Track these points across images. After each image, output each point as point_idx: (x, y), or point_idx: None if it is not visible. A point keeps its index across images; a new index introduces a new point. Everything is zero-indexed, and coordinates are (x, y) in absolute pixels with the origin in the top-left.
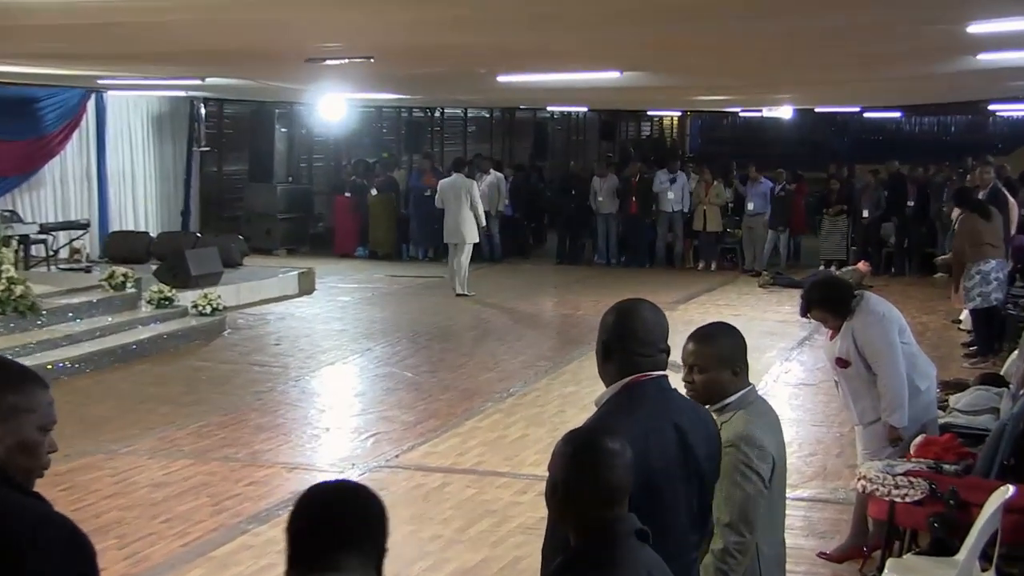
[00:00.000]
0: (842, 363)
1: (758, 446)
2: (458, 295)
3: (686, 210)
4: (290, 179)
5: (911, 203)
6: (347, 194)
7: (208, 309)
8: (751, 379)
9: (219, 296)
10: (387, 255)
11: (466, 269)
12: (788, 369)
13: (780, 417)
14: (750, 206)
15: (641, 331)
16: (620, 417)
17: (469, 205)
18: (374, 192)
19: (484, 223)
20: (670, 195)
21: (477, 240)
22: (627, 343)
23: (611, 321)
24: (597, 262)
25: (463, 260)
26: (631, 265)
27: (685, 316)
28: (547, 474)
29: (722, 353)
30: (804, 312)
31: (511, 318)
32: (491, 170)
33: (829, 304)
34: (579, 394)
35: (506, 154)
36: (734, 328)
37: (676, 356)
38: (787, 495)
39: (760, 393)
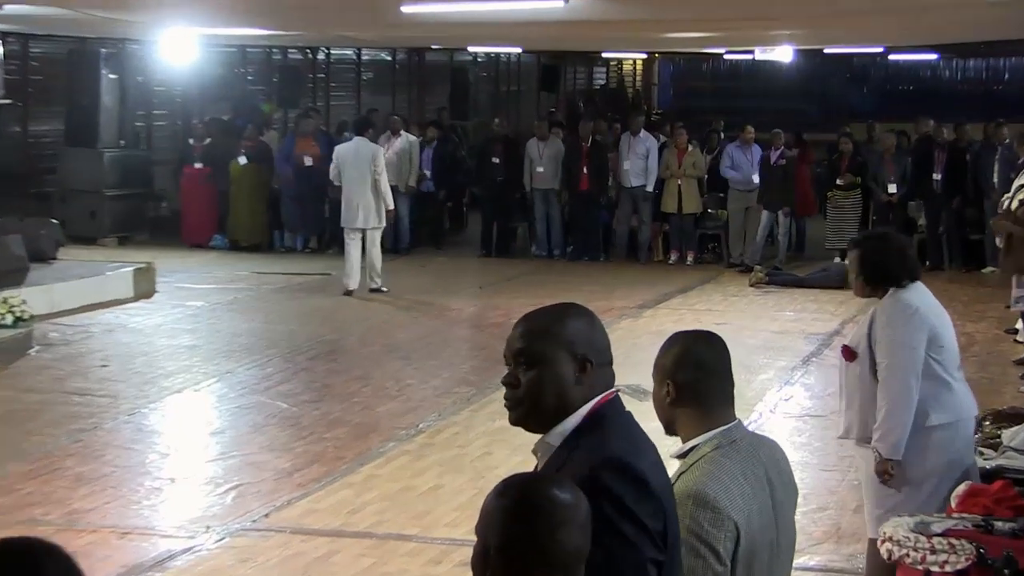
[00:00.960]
0: (848, 353)
1: (712, 508)
2: (372, 290)
3: (652, 186)
4: (122, 143)
5: (939, 175)
6: (199, 165)
7: (8, 319)
8: (739, 409)
9: (23, 301)
10: (254, 246)
11: (379, 258)
12: (789, 395)
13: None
14: (738, 179)
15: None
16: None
17: (374, 179)
18: (242, 161)
19: (392, 204)
20: (628, 164)
21: (386, 224)
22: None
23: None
24: (535, 254)
25: (374, 250)
26: (581, 258)
27: (652, 325)
28: (473, 538)
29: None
30: (844, 256)
31: (421, 330)
32: (402, 132)
33: (866, 261)
34: (511, 430)
35: (413, 110)
36: (717, 338)
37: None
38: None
39: (751, 428)
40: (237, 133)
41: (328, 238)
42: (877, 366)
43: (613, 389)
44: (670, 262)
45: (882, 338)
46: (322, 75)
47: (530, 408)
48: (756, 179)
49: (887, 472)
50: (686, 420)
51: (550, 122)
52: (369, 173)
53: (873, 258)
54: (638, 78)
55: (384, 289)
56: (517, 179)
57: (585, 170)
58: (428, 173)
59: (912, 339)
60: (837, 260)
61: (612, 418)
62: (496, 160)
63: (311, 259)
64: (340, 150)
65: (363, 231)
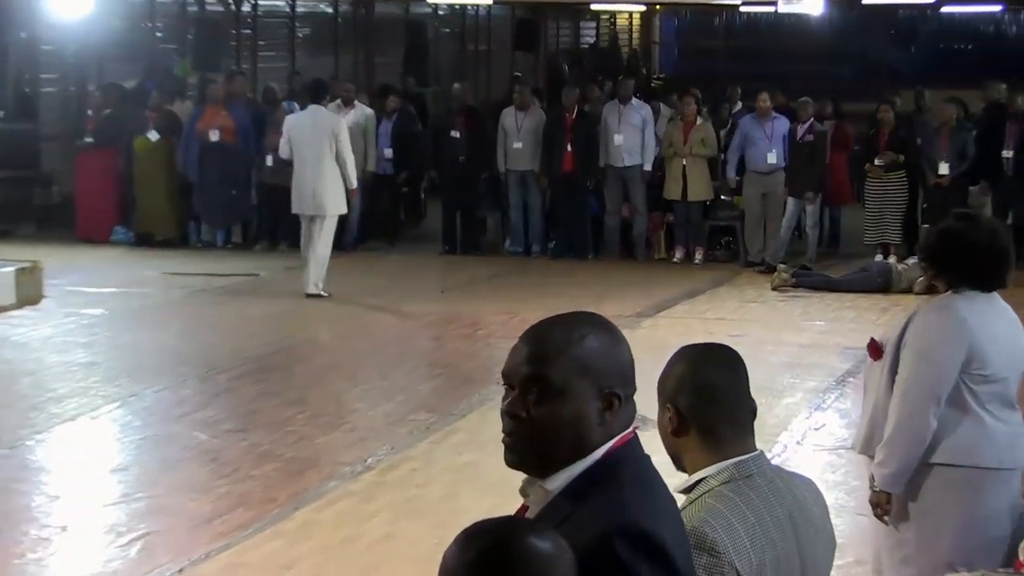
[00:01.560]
0: (874, 349)
1: (709, 550)
2: (308, 295)
3: (650, 164)
4: (0, 115)
5: (1009, 153)
6: (91, 140)
7: None
8: (760, 439)
9: None
10: (166, 241)
11: (327, 256)
12: (820, 423)
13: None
14: (758, 159)
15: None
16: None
17: (334, 156)
18: (151, 137)
19: (354, 183)
20: (618, 138)
21: (345, 211)
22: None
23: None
24: (509, 251)
25: (322, 243)
26: (564, 256)
27: (653, 337)
28: None
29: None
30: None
31: (370, 343)
32: (356, 102)
33: (937, 247)
34: (481, 466)
35: (359, 75)
36: (730, 354)
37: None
38: None
39: (776, 462)
40: (144, 102)
41: (257, 230)
42: (897, 376)
43: (632, 427)
44: (674, 260)
45: (911, 345)
46: (248, 31)
47: (539, 451)
48: (772, 158)
49: (879, 506)
50: (693, 450)
51: (528, 88)
52: (329, 149)
53: (945, 244)
54: (635, 36)
55: (325, 294)
56: (484, 159)
57: (569, 147)
58: (388, 153)
59: (942, 354)
60: (879, 258)
61: (629, 465)
62: (456, 134)
63: (235, 256)
64: (293, 122)
65: (312, 219)
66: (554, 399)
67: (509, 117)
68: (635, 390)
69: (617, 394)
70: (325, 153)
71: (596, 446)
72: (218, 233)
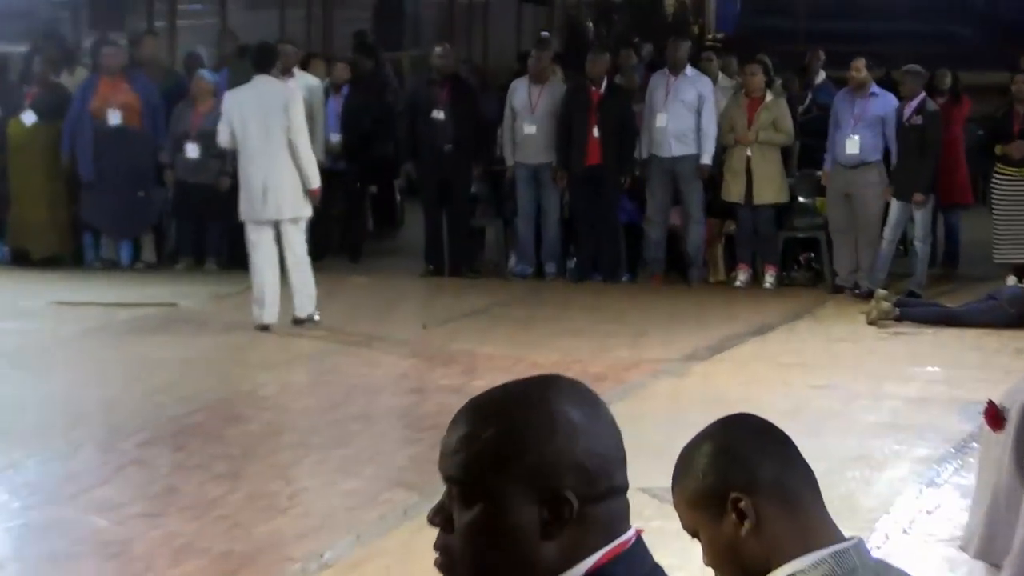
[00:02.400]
0: (994, 417)
1: None
2: (296, 320)
3: (710, 157)
4: None
5: None
6: None
7: None
8: (850, 526)
9: None
10: (51, 259)
11: (307, 264)
12: (934, 504)
13: None
14: (839, 147)
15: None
16: None
17: (288, 137)
18: (27, 120)
19: (314, 181)
20: (665, 120)
21: (310, 212)
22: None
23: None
24: (515, 272)
25: (294, 256)
26: (590, 278)
27: (709, 388)
28: None
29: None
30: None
31: (329, 396)
32: (295, 69)
33: None
34: None
35: (316, 36)
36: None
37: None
38: None
39: (876, 555)
40: (23, 75)
41: (176, 244)
42: None
43: (631, 533)
44: (737, 284)
45: None
46: None
47: (467, 573)
48: (855, 146)
49: None
50: (771, 545)
51: (545, 51)
52: (282, 132)
53: None
54: None
55: (317, 318)
56: (479, 148)
57: (596, 132)
58: (334, 139)
59: None
60: (1012, 281)
61: None
62: (439, 115)
63: (147, 280)
64: (234, 99)
65: (276, 225)
66: (475, 505)
67: (520, 92)
68: (620, 485)
69: (568, 497)
70: (278, 138)
71: (554, 566)
72: (122, 248)
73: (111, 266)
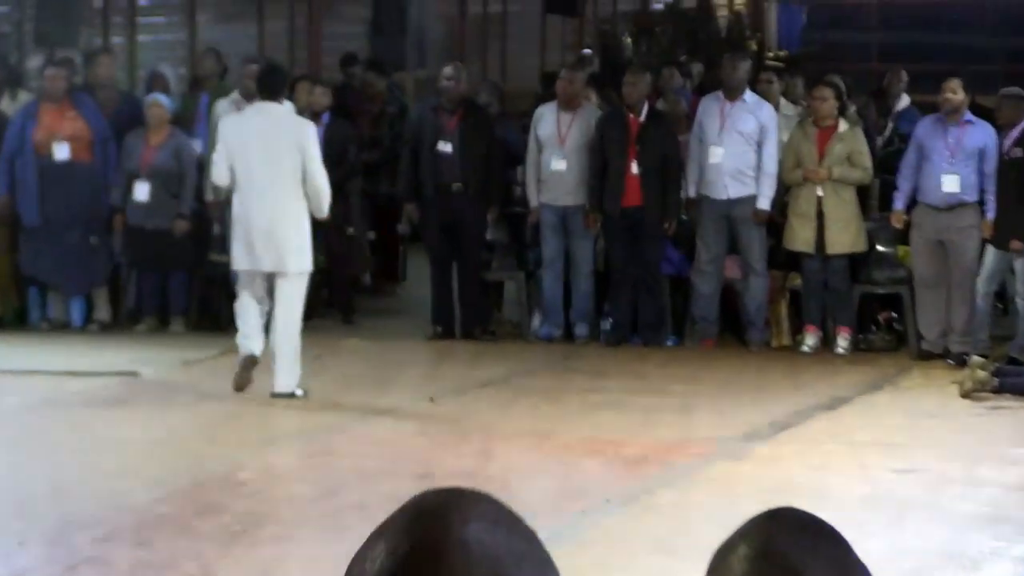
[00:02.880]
0: None
1: None
2: (275, 395)
3: (768, 201)
4: None
5: None
6: None
7: None
8: None
9: None
10: None
11: (297, 333)
12: None
13: None
14: (930, 185)
15: None
16: None
17: (300, 180)
18: None
19: (324, 210)
20: (719, 156)
21: (311, 267)
22: None
23: None
24: (540, 334)
25: (289, 315)
26: (628, 342)
27: (772, 472)
28: None
29: None
30: None
31: (318, 484)
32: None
33: None
34: None
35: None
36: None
37: None
38: None
39: None
40: None
41: (136, 300)
42: None
43: None
44: (804, 349)
45: None
46: None
47: None
48: (953, 184)
49: None
50: None
51: (580, 69)
52: (291, 170)
53: None
54: None
55: (299, 393)
56: (495, 186)
57: (635, 167)
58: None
59: None
60: None
61: None
62: (447, 148)
63: (103, 343)
64: (234, 128)
65: (270, 278)
66: None
67: (546, 120)
68: None
69: None
70: (287, 177)
71: None
72: (73, 305)
73: (60, 327)
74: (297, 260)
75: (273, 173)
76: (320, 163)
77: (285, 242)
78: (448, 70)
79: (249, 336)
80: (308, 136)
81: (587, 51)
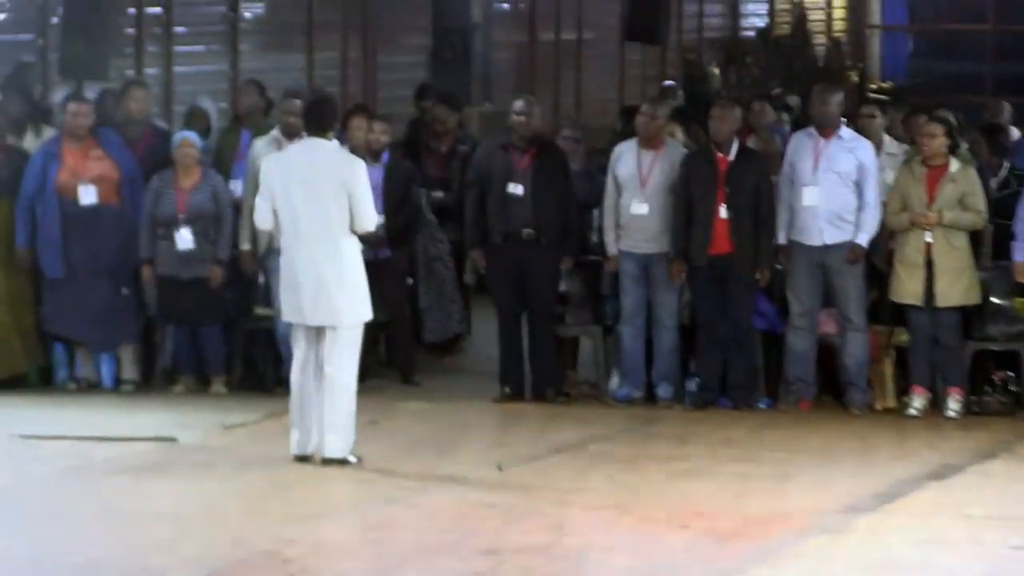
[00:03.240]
0: None
1: None
2: (326, 461)
3: (867, 238)
4: None
5: None
6: None
7: None
8: None
9: None
10: (12, 378)
11: (352, 394)
12: None
13: None
14: None
15: None
16: None
17: (349, 223)
18: None
19: (368, 228)
20: (813, 197)
21: (370, 316)
22: None
23: None
24: (618, 396)
25: (342, 372)
26: (716, 404)
27: (875, 549)
28: None
29: None
30: None
31: (375, 559)
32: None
33: None
34: None
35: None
36: None
37: None
38: None
39: None
40: None
41: (173, 358)
42: None
43: None
44: (911, 412)
45: None
46: (157, 7)
47: None
48: None
49: None
50: None
51: (661, 103)
52: (340, 213)
53: None
54: (838, 17)
55: (353, 459)
56: (569, 233)
57: (724, 212)
58: (379, 222)
59: None
60: None
61: None
62: (517, 190)
63: (135, 405)
64: (278, 167)
65: (317, 333)
66: None
67: (626, 159)
68: None
69: None
70: (335, 220)
71: None
72: (103, 364)
73: (89, 388)
74: (350, 311)
75: (319, 216)
76: (369, 206)
77: (335, 291)
78: (519, 104)
79: (297, 421)
80: (356, 175)
81: (670, 82)
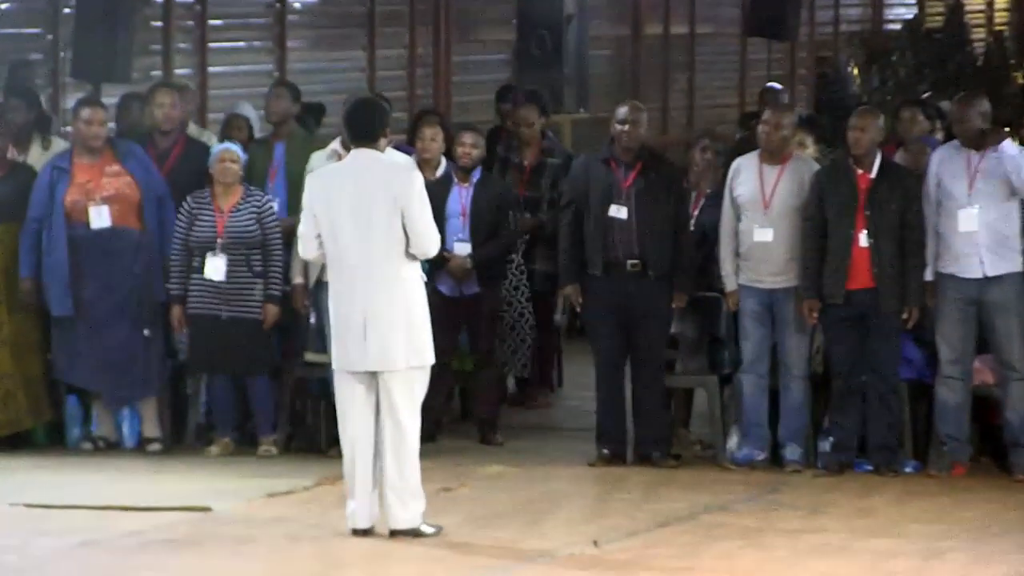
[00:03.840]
0: None
1: None
2: (395, 533)
3: None
4: None
5: None
6: None
7: None
8: None
9: None
10: (17, 436)
11: (415, 451)
12: None
13: None
14: None
15: None
16: None
17: (404, 247)
18: None
19: (430, 254)
20: (971, 219)
21: (432, 359)
22: None
23: None
24: (738, 458)
25: (402, 426)
26: (855, 468)
27: None
28: None
29: None
30: None
31: None
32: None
33: None
34: None
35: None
36: None
37: None
38: None
39: None
40: None
41: (206, 413)
42: None
43: None
44: None
45: None
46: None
47: None
48: None
49: None
50: None
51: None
52: (388, 234)
53: None
54: (998, 8)
55: (429, 529)
56: (683, 261)
57: (864, 240)
58: (461, 250)
59: None
60: None
61: None
62: (620, 214)
63: (162, 468)
64: (321, 186)
65: (378, 378)
66: None
67: (746, 176)
68: None
69: None
70: (388, 243)
71: None
72: (125, 420)
73: (108, 448)
74: (409, 353)
75: (369, 240)
76: (428, 224)
77: (388, 330)
78: (623, 111)
79: (354, 489)
80: (410, 187)
81: (775, 85)
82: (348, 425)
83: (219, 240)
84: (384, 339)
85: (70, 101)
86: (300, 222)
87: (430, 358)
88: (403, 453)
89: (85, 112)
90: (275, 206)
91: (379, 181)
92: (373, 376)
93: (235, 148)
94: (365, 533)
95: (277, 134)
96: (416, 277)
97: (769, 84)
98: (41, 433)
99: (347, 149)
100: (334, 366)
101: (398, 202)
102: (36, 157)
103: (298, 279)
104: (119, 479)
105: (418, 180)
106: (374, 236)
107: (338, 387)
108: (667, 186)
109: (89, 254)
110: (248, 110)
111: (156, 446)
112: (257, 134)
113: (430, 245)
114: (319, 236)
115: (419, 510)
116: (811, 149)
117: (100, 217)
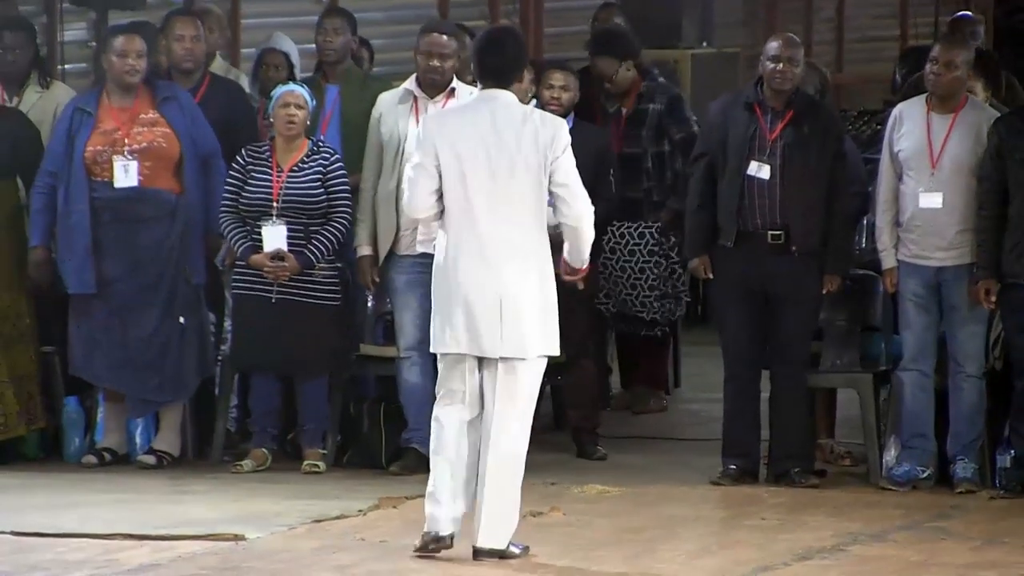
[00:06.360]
0: None
1: None
2: (480, 552)
3: None
4: None
5: None
6: None
7: None
8: None
9: None
10: (5, 445)
11: (521, 461)
12: None
13: None
14: None
15: None
16: None
17: (545, 213)
18: None
19: (586, 259)
20: None
21: (555, 351)
22: None
23: None
24: (895, 476)
25: (515, 427)
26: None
27: None
28: None
29: None
30: None
31: None
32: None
33: None
34: None
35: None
36: None
37: None
38: None
39: None
40: None
41: (239, 414)
42: None
43: None
44: None
45: None
46: None
47: None
48: None
49: None
50: None
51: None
52: (536, 193)
53: None
54: None
55: (517, 549)
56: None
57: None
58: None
59: None
60: None
61: None
62: (761, 174)
63: (183, 486)
64: (444, 128)
65: (496, 367)
66: None
67: (911, 127)
68: None
69: None
70: (531, 206)
71: None
72: (139, 429)
73: (116, 461)
74: (542, 340)
75: (508, 202)
76: (585, 199)
77: (526, 312)
78: (775, 44)
79: (437, 496)
80: (561, 140)
81: (967, 13)
82: (449, 407)
83: (275, 205)
84: (520, 322)
85: (69, 34)
86: (411, 168)
87: (557, 348)
88: (511, 462)
89: (119, 42)
90: None
91: (525, 131)
92: (479, 364)
93: (301, 90)
94: (437, 544)
95: (329, 74)
96: (549, 251)
97: (961, 13)
98: (34, 443)
99: (422, 89)
100: (442, 350)
101: (548, 157)
102: (31, 103)
103: (365, 249)
104: (130, 501)
105: (567, 132)
106: (514, 197)
107: (444, 375)
108: (823, 142)
109: (112, 220)
110: (287, 44)
111: (162, 457)
112: (297, 74)
113: (584, 208)
114: (438, 190)
115: (513, 528)
116: (982, 94)
117: (127, 174)
